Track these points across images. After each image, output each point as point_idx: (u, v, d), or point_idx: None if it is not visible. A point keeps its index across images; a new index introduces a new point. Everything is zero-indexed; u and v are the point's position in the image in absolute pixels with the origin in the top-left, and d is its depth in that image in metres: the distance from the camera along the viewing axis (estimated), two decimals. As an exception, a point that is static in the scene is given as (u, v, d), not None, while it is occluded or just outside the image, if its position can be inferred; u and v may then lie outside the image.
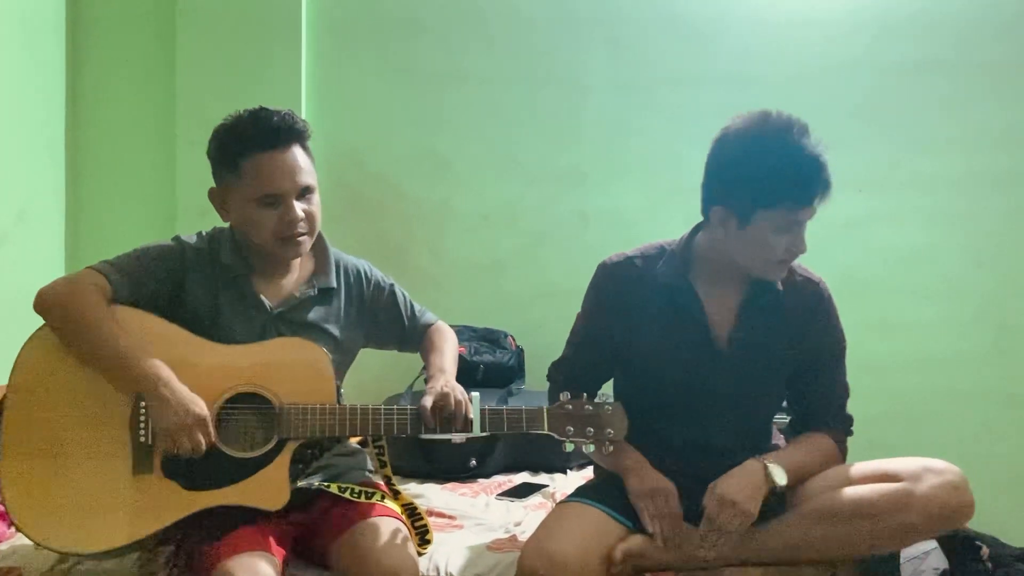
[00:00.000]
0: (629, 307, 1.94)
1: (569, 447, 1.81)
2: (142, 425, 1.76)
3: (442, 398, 1.80)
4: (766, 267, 1.86)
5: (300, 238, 1.87)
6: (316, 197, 1.91)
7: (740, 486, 1.78)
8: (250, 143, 1.83)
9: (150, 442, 1.76)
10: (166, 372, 1.74)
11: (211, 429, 1.73)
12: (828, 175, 1.77)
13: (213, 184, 1.92)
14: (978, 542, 2.24)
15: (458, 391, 1.84)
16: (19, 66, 2.96)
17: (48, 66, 3.16)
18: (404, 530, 1.84)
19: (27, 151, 3.02)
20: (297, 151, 1.87)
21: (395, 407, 1.82)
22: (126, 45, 3.34)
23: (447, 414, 1.80)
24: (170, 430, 1.70)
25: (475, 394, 1.84)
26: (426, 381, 1.94)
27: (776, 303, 1.91)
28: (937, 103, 3.17)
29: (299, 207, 1.85)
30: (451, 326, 2.23)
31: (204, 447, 1.72)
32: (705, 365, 1.91)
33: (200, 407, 1.73)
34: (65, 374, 1.78)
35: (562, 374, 2.02)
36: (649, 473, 1.86)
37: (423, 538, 1.93)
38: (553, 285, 3.22)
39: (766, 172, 1.76)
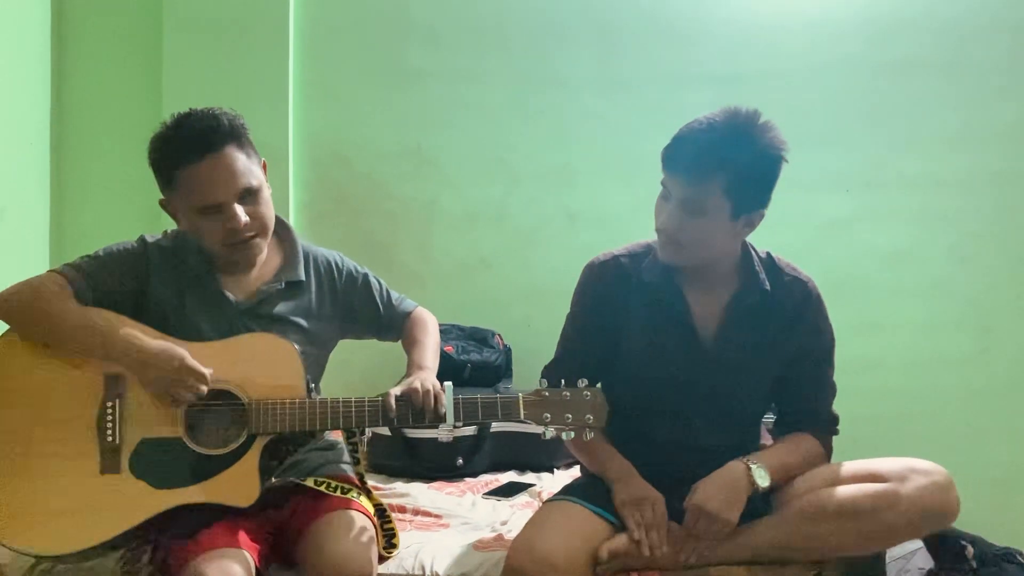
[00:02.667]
0: (616, 305, 1.94)
1: (548, 435, 1.79)
2: (109, 425, 1.75)
3: (411, 392, 1.79)
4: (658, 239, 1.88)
5: (251, 241, 1.84)
6: (263, 194, 1.85)
7: (719, 493, 1.77)
8: (178, 154, 1.78)
9: (118, 442, 1.75)
10: (137, 331, 1.74)
11: (202, 370, 1.73)
12: (702, 158, 1.74)
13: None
14: (963, 541, 2.25)
15: (429, 382, 1.82)
16: (3, 63, 2.94)
17: (33, 64, 3.14)
18: (369, 526, 1.82)
19: (9, 149, 3.00)
20: (231, 153, 1.79)
21: (366, 398, 1.80)
22: (112, 43, 3.33)
23: (416, 407, 1.78)
24: (163, 382, 1.70)
25: (448, 384, 1.82)
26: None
27: (763, 302, 1.90)
28: (923, 103, 3.18)
29: (242, 211, 1.81)
30: (438, 325, 2.22)
31: (201, 390, 1.72)
32: (691, 364, 1.91)
33: (178, 350, 1.73)
34: (32, 376, 1.77)
35: (556, 376, 1.97)
36: (636, 482, 1.86)
37: (389, 541, 1.91)
38: (541, 284, 3.21)
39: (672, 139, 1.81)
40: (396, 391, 1.80)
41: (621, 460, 1.90)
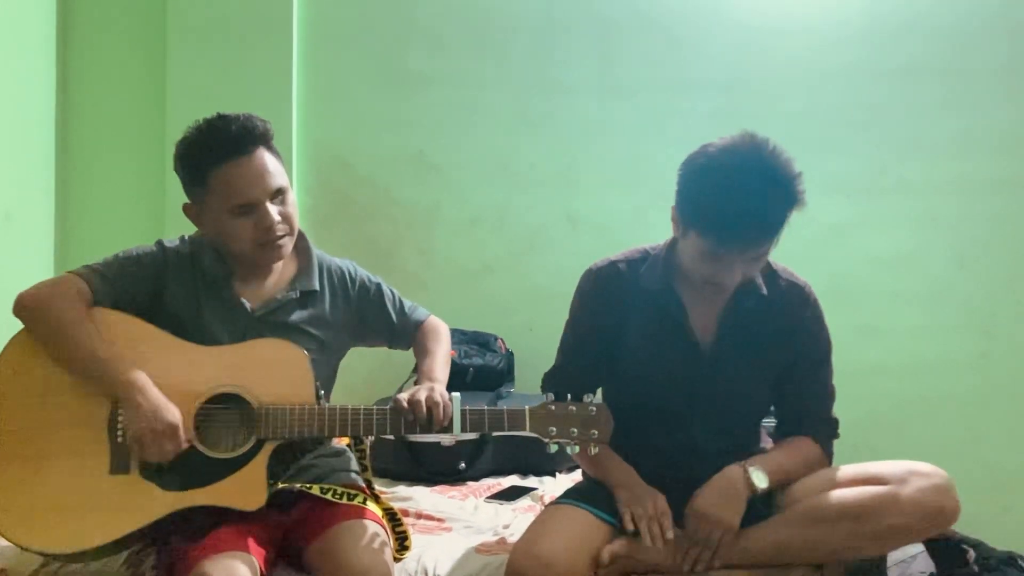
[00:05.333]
0: (614, 312, 1.94)
1: (553, 448, 1.80)
2: (120, 426, 1.76)
3: (418, 402, 1.79)
4: (696, 280, 1.85)
5: (280, 241, 1.87)
6: (290, 196, 1.89)
7: (718, 498, 1.78)
8: (213, 155, 1.81)
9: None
10: (142, 378, 1.74)
11: (182, 437, 1.73)
12: (762, 232, 1.72)
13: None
14: (964, 545, 2.24)
15: (437, 393, 1.82)
16: (8, 68, 2.95)
17: (38, 68, 3.15)
18: (381, 533, 1.82)
19: (14, 154, 3.01)
20: (262, 154, 1.84)
21: (374, 407, 1.81)
22: (116, 48, 3.35)
23: (423, 417, 1.79)
24: (141, 435, 1.70)
25: (456, 395, 1.83)
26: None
27: (761, 307, 1.91)
28: (925, 108, 3.20)
29: (274, 210, 1.84)
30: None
31: (172, 455, 1.71)
32: (689, 369, 1.91)
33: (173, 415, 1.72)
34: (44, 376, 1.78)
35: (555, 383, 1.99)
36: (639, 486, 1.86)
37: (402, 544, 1.92)
38: (542, 288, 3.22)
39: (703, 199, 1.73)
40: (404, 397, 1.80)
41: (624, 466, 1.91)
